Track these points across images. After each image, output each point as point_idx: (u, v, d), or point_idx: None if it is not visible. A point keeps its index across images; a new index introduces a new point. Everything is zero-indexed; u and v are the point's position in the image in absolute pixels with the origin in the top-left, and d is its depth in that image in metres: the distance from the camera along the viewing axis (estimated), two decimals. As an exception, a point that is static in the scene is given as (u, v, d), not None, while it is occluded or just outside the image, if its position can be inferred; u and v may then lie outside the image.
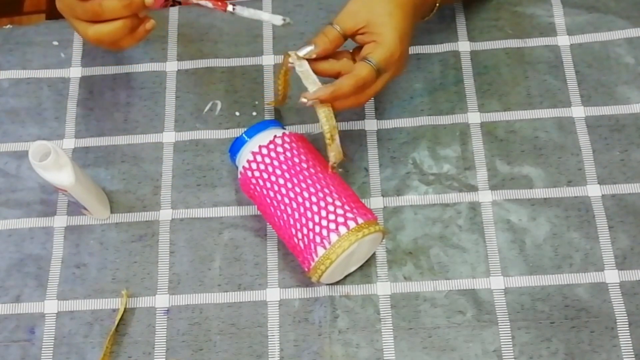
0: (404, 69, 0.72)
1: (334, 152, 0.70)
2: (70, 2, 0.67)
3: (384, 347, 0.73)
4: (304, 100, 0.67)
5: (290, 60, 0.68)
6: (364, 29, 0.68)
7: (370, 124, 0.83)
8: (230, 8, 0.69)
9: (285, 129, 0.76)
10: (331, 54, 0.69)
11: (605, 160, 0.80)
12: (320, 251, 0.68)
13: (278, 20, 0.69)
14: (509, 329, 0.73)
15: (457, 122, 0.82)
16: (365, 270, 0.76)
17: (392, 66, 0.68)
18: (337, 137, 0.70)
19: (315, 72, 0.68)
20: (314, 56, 0.68)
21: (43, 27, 0.91)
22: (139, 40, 0.70)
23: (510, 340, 0.73)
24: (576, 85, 0.83)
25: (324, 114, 0.68)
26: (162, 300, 0.76)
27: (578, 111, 0.82)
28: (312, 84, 0.68)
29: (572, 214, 0.78)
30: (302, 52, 0.68)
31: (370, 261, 0.77)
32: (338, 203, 0.69)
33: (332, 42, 0.68)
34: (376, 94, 0.70)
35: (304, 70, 0.68)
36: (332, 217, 0.68)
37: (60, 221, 0.80)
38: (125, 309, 0.76)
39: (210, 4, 0.69)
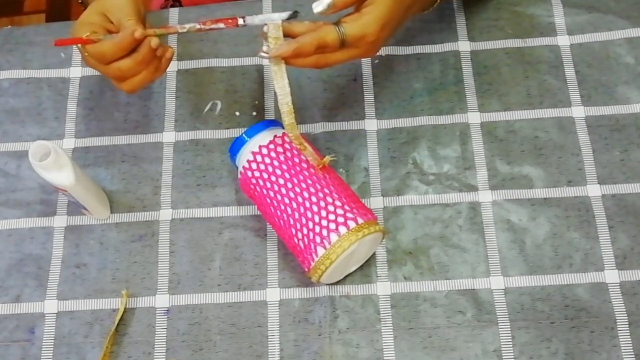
0: (374, 54, 0.71)
1: (310, 157, 0.71)
2: (97, 66, 0.70)
3: (384, 347, 0.73)
4: (264, 54, 0.67)
5: (264, 29, 0.68)
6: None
7: (370, 124, 0.83)
8: (241, 21, 0.69)
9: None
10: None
11: (605, 160, 0.80)
12: (321, 251, 0.68)
13: (286, 14, 0.69)
14: (509, 329, 0.73)
15: (457, 122, 0.82)
16: (365, 270, 0.76)
17: (362, 46, 0.68)
18: (306, 144, 0.70)
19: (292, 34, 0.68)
20: (330, 12, 0.66)
21: (43, 27, 0.91)
22: (166, 69, 0.72)
23: (510, 340, 0.73)
24: (576, 85, 0.83)
25: (288, 123, 0.68)
26: (162, 300, 0.76)
27: (578, 111, 0.82)
28: (282, 89, 0.68)
29: (572, 214, 0.78)
30: (319, 8, 0.66)
31: (370, 261, 0.77)
32: (338, 203, 0.69)
33: (345, 3, 0.66)
34: (337, 64, 0.69)
35: (278, 69, 0.68)
36: (332, 217, 0.68)
37: (60, 221, 0.80)
38: (125, 309, 0.76)
39: (222, 25, 0.70)
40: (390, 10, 0.67)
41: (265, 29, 0.68)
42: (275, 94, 0.85)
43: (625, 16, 0.86)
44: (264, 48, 0.68)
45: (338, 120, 0.83)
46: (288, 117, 0.68)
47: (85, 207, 0.77)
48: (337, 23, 0.66)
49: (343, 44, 0.67)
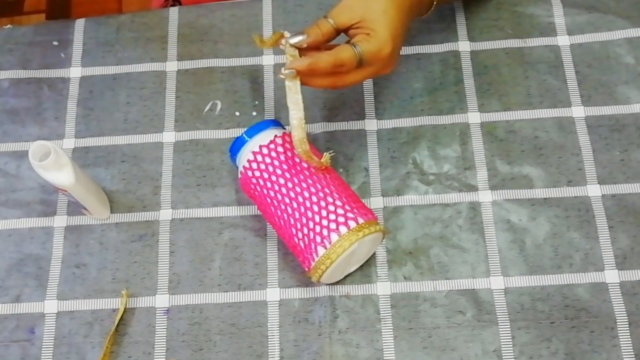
0: (391, 68, 0.71)
1: (315, 164, 0.70)
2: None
3: (384, 347, 0.73)
4: (282, 76, 0.67)
5: (282, 42, 0.68)
6: (358, 24, 0.68)
7: (370, 124, 0.83)
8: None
9: (285, 128, 0.76)
10: (321, 46, 0.69)
11: (605, 160, 0.80)
12: (321, 251, 0.68)
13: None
14: (509, 329, 0.73)
15: (457, 122, 0.82)
16: (365, 270, 0.76)
17: (378, 62, 0.68)
18: (314, 157, 0.70)
19: (302, 54, 0.68)
20: (304, 45, 0.68)
21: (43, 27, 0.91)
22: None
23: (510, 340, 0.73)
24: (576, 85, 0.83)
25: (298, 138, 0.68)
26: (162, 300, 0.76)
27: (578, 111, 0.82)
28: (295, 104, 0.68)
29: (572, 214, 0.78)
30: (293, 40, 0.68)
31: (371, 261, 0.77)
32: (338, 203, 0.69)
33: (324, 34, 0.68)
34: (354, 84, 0.70)
35: (292, 85, 0.68)
36: (332, 216, 0.68)
37: (60, 221, 0.80)
38: (125, 308, 0.76)
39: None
40: (395, 20, 0.68)
41: (283, 42, 0.68)
42: (270, 96, 0.85)
43: (625, 16, 0.86)
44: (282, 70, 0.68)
45: (338, 120, 0.83)
46: (298, 132, 0.68)
47: (85, 207, 0.77)
48: (351, 44, 0.67)
49: (360, 63, 0.67)
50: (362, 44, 0.67)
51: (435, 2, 0.76)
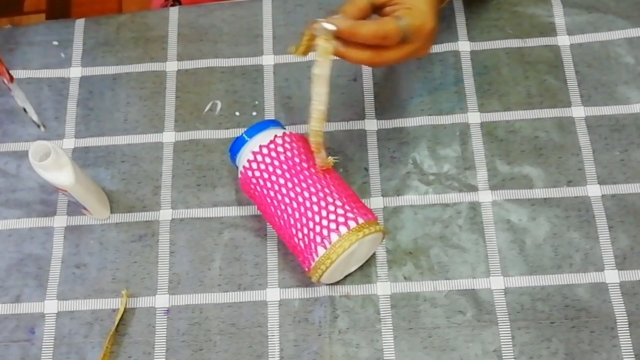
0: (427, 51, 0.69)
1: (320, 162, 0.70)
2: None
3: (384, 347, 0.73)
4: (317, 27, 0.61)
5: (317, 31, 0.63)
6: (396, 0, 0.65)
7: (370, 124, 0.83)
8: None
9: (285, 128, 0.76)
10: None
11: (605, 160, 0.80)
12: (321, 251, 0.68)
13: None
14: (509, 329, 0.73)
15: (457, 122, 0.82)
16: (365, 270, 0.76)
17: (421, 39, 0.66)
18: (323, 150, 0.69)
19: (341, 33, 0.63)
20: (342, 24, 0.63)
21: (43, 27, 0.91)
22: None
23: (510, 340, 0.73)
24: (576, 85, 0.83)
25: (313, 129, 0.66)
26: (162, 300, 0.76)
27: (578, 111, 0.82)
28: (319, 95, 0.64)
29: (572, 214, 0.78)
30: (331, 22, 0.63)
31: (370, 261, 0.77)
32: (338, 203, 0.69)
33: (360, 11, 0.65)
34: (395, 62, 0.67)
35: (321, 73, 0.64)
36: (332, 216, 0.68)
37: (60, 221, 0.80)
38: (125, 309, 0.76)
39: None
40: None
41: (315, 27, 0.63)
42: (270, 96, 0.85)
43: (625, 16, 0.86)
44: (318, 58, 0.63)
45: (338, 120, 0.83)
46: (316, 124, 0.66)
47: (85, 207, 0.77)
48: (394, 17, 0.64)
49: (404, 38, 0.64)
50: (406, 18, 0.64)
51: None
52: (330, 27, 0.62)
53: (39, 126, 0.72)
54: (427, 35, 0.66)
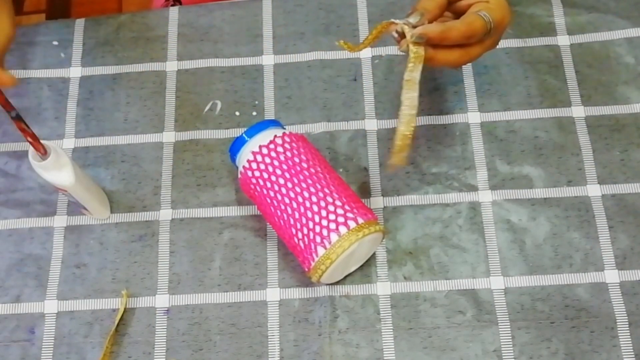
0: (497, 44, 0.68)
1: (396, 161, 0.65)
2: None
3: (384, 347, 0.73)
4: (404, 48, 0.60)
5: (397, 30, 0.61)
6: None
7: (370, 124, 0.83)
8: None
9: (285, 128, 0.76)
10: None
11: (605, 160, 0.80)
12: (321, 251, 0.68)
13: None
14: (509, 329, 0.73)
15: (457, 122, 0.82)
16: (365, 270, 0.77)
17: (499, 32, 0.65)
18: (406, 151, 0.65)
19: (428, 36, 0.61)
20: (425, 22, 0.61)
21: (43, 27, 0.91)
22: None
23: (510, 340, 0.73)
24: (576, 85, 0.83)
25: (402, 134, 0.62)
26: (162, 300, 0.76)
27: (578, 111, 0.82)
28: (409, 100, 0.62)
29: (572, 214, 0.78)
30: (413, 19, 0.61)
31: (370, 261, 0.77)
32: (338, 203, 0.69)
33: (439, 6, 0.62)
34: (476, 59, 0.66)
35: (412, 78, 0.61)
36: (332, 217, 0.68)
37: (60, 221, 0.80)
38: (125, 309, 0.76)
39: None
40: None
41: (398, 29, 0.61)
42: (270, 96, 0.85)
43: (625, 16, 0.86)
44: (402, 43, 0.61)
45: (338, 120, 0.83)
46: (405, 127, 0.63)
47: (85, 207, 0.77)
48: (477, 13, 0.62)
49: (489, 32, 0.63)
50: (488, 12, 0.62)
51: None
52: (421, 35, 0.60)
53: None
54: (505, 28, 0.65)
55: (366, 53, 0.86)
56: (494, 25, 0.63)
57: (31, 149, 0.68)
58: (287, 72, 0.86)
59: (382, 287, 0.76)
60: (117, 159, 0.83)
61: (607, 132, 0.81)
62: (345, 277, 0.76)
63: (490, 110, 0.83)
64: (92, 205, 0.77)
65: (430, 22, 0.61)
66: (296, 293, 0.76)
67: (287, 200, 0.70)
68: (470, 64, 0.85)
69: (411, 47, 0.61)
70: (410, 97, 0.63)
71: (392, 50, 0.86)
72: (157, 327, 0.75)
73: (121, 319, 0.75)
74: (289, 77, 0.86)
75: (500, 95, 0.83)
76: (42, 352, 0.75)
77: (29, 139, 0.66)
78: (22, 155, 0.83)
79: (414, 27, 0.61)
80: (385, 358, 0.73)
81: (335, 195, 0.70)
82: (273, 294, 0.76)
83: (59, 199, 0.81)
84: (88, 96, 0.86)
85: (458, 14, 0.65)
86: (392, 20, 0.62)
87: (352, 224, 0.68)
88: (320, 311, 0.75)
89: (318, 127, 0.83)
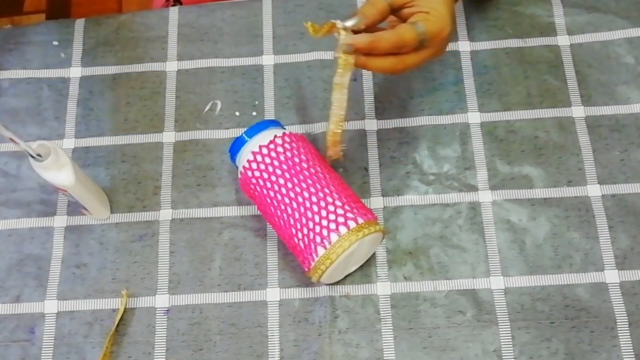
0: (443, 52, 0.70)
1: (332, 153, 0.70)
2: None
3: (384, 347, 0.74)
4: (336, 55, 0.64)
5: (339, 34, 0.64)
6: (414, 2, 0.66)
7: (370, 124, 0.83)
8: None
9: (285, 128, 0.77)
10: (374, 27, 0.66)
11: (605, 160, 0.80)
12: (321, 251, 0.68)
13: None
14: (509, 329, 0.74)
15: (457, 122, 0.83)
16: (365, 270, 0.77)
17: (438, 43, 0.66)
18: (338, 147, 0.69)
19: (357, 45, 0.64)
20: (362, 27, 0.64)
21: (43, 27, 0.91)
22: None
23: (510, 340, 0.73)
24: (576, 85, 0.83)
25: (331, 132, 0.67)
26: (162, 300, 0.77)
27: (578, 111, 0.82)
28: (338, 102, 0.66)
29: (572, 214, 0.78)
30: (350, 23, 0.64)
31: (370, 261, 0.77)
32: (338, 203, 0.70)
33: (379, 12, 0.65)
34: (414, 68, 0.68)
35: (341, 82, 0.65)
36: (332, 217, 0.69)
37: (60, 221, 0.80)
38: (125, 309, 0.76)
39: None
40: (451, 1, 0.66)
41: (337, 28, 0.64)
42: (270, 96, 0.86)
43: (625, 16, 0.86)
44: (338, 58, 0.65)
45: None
46: (335, 127, 0.67)
47: (85, 207, 0.77)
48: (410, 23, 0.65)
49: (421, 44, 0.65)
50: (423, 24, 0.64)
51: None
52: (349, 45, 0.63)
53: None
54: (444, 40, 0.67)
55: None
56: (428, 37, 0.64)
57: (31, 149, 0.68)
58: (287, 72, 0.86)
59: (382, 287, 0.76)
60: (117, 159, 0.83)
61: (607, 132, 0.81)
62: (345, 277, 0.76)
63: (490, 110, 0.83)
64: (92, 205, 0.77)
65: (369, 26, 0.64)
66: (296, 293, 0.76)
67: (287, 200, 0.70)
68: (470, 64, 0.85)
69: (341, 54, 0.64)
70: (339, 98, 0.66)
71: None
72: (157, 327, 0.75)
73: (121, 319, 0.75)
74: (289, 77, 0.86)
75: (501, 95, 0.83)
76: (42, 352, 0.75)
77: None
78: (23, 155, 0.82)
79: (353, 30, 0.64)
80: (385, 358, 0.73)
81: (335, 195, 0.70)
82: (273, 294, 0.76)
83: (59, 199, 0.81)
84: (88, 96, 0.86)
85: (404, 20, 0.67)
86: (333, 21, 0.64)
87: (352, 224, 0.68)
88: (320, 311, 0.75)
89: (318, 127, 0.83)
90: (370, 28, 0.66)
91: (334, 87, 0.66)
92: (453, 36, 0.69)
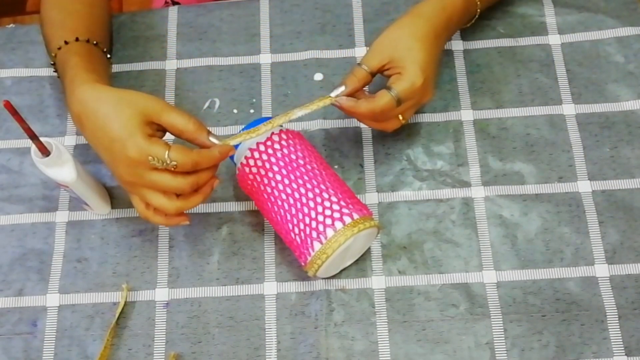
0: (430, 96, 0.75)
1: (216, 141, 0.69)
2: (144, 172, 0.66)
3: (379, 339, 0.74)
4: (328, 101, 0.72)
5: (329, 102, 0.73)
6: (389, 65, 0.73)
7: (366, 122, 0.84)
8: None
9: (282, 126, 0.77)
10: (360, 90, 0.74)
11: (596, 156, 0.81)
12: (317, 246, 0.69)
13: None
14: (501, 322, 0.74)
15: (451, 119, 0.84)
16: (361, 264, 0.77)
17: (415, 94, 0.72)
18: (276, 124, 0.71)
19: (342, 108, 0.73)
20: (346, 94, 0.73)
21: (44, 27, 0.91)
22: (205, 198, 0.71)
23: (502, 333, 0.74)
24: (567, 83, 0.84)
25: (279, 121, 0.71)
26: (161, 294, 0.77)
27: (569, 109, 0.83)
28: (303, 109, 0.72)
29: (563, 210, 0.79)
30: (335, 93, 0.73)
31: (366, 256, 0.78)
32: (334, 199, 0.70)
33: (360, 80, 0.73)
34: (405, 120, 0.75)
35: (312, 108, 0.72)
36: (328, 212, 0.69)
37: (61, 216, 0.81)
38: (125, 302, 0.77)
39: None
40: (421, 53, 0.72)
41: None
42: (267, 94, 0.86)
43: (615, 15, 0.87)
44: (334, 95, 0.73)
45: (334, 117, 0.84)
46: (280, 120, 0.71)
47: (87, 203, 0.78)
48: (387, 88, 0.72)
49: (399, 102, 0.71)
50: (395, 85, 0.71)
51: (479, 11, 0.80)
52: (336, 102, 0.73)
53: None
54: (418, 90, 0.72)
55: (362, 52, 0.87)
56: (402, 95, 0.71)
57: (33, 146, 0.69)
58: (284, 71, 0.87)
59: (377, 281, 0.77)
60: (118, 155, 0.83)
61: (597, 129, 0.82)
62: (341, 271, 0.77)
63: (482, 108, 0.84)
64: (93, 201, 0.78)
65: (351, 93, 0.73)
66: (293, 287, 0.77)
67: (284, 196, 0.71)
68: (463, 62, 0.86)
69: (326, 102, 0.72)
70: (305, 109, 0.72)
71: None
72: (156, 320, 0.76)
73: (122, 312, 0.76)
74: (286, 76, 0.87)
75: (493, 93, 0.84)
76: (44, 344, 0.76)
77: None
78: (25, 152, 0.84)
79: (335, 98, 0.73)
80: (380, 350, 0.74)
81: (331, 192, 0.71)
82: (270, 287, 0.77)
83: (61, 194, 0.82)
84: (89, 94, 0.87)
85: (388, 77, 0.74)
86: (329, 95, 0.73)
87: (347, 219, 0.69)
88: (316, 304, 0.76)
89: (315, 125, 0.84)
90: (355, 93, 0.73)
91: (309, 106, 0.72)
92: (432, 81, 0.74)
